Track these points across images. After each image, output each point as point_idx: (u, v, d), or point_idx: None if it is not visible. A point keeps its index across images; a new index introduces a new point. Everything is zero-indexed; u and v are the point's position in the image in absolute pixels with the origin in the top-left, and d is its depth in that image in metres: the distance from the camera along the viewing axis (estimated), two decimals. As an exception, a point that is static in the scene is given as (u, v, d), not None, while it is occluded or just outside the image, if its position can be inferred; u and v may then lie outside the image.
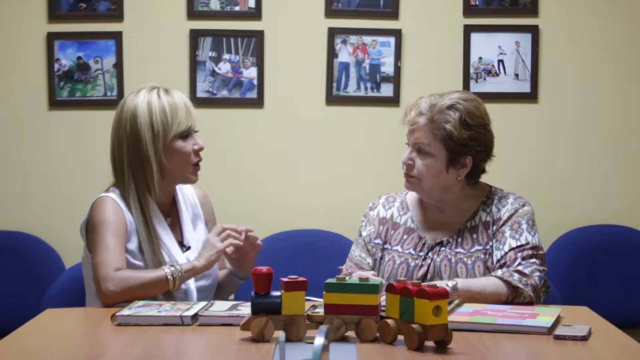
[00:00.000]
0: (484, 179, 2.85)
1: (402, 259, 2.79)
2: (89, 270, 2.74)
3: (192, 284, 2.75)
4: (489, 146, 2.76)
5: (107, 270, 2.59)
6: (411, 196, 2.88)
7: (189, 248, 2.83)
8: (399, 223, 2.85)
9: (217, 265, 2.89)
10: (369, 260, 2.84)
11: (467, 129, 2.70)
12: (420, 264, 2.76)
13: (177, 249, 2.79)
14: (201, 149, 2.80)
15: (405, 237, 2.82)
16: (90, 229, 2.71)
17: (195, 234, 2.87)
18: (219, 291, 2.89)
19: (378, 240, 2.85)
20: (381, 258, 2.83)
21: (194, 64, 4.18)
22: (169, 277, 2.61)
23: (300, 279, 2.19)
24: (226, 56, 4.18)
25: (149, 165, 2.72)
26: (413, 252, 2.79)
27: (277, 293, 2.19)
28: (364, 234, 2.87)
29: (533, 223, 2.74)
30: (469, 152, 2.71)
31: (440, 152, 2.70)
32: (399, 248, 2.81)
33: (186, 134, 2.77)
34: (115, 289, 2.57)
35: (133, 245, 2.70)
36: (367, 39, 4.20)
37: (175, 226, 2.85)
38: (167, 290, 2.63)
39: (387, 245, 2.83)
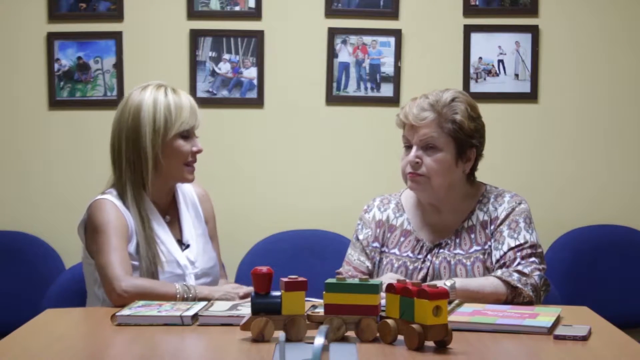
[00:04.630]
0: (484, 178, 2.85)
1: (401, 262, 2.78)
2: (91, 272, 2.74)
3: (193, 282, 2.75)
4: (484, 140, 2.78)
5: (118, 271, 2.59)
6: (406, 197, 2.86)
7: (188, 246, 2.82)
8: (395, 225, 2.83)
9: (217, 266, 2.91)
10: (368, 263, 2.82)
11: (471, 120, 2.72)
12: (419, 266, 2.75)
13: (176, 247, 2.79)
14: (199, 151, 2.80)
15: (402, 239, 2.81)
16: (92, 231, 2.70)
17: (194, 232, 2.87)
18: None
19: (376, 244, 2.83)
20: (379, 261, 2.82)
21: (194, 64, 4.18)
22: (177, 296, 2.59)
23: (300, 279, 2.19)
24: (226, 56, 4.18)
25: (145, 160, 2.73)
26: (411, 254, 2.78)
27: (277, 293, 2.19)
28: (361, 237, 2.85)
29: (530, 221, 2.74)
30: (474, 144, 2.72)
31: (448, 145, 2.70)
32: (396, 251, 2.80)
33: (187, 134, 2.77)
34: (129, 289, 2.56)
35: (132, 246, 2.70)
36: (367, 39, 4.20)
37: (175, 224, 2.85)
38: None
39: (384, 248, 2.82)
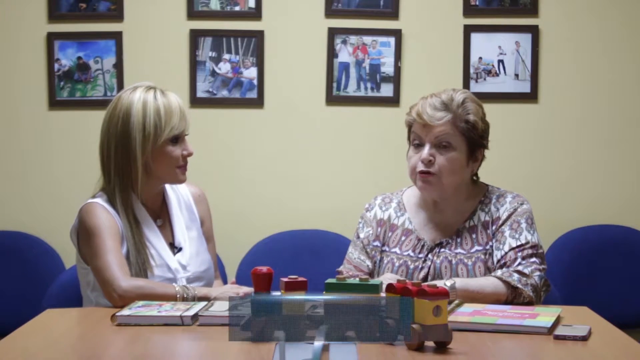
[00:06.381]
0: (484, 178, 2.85)
1: (401, 261, 2.77)
2: (85, 277, 2.73)
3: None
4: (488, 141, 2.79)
5: (117, 272, 2.57)
6: (408, 196, 2.86)
7: (180, 249, 2.80)
8: (396, 224, 2.83)
9: (212, 269, 2.89)
10: (368, 262, 2.82)
11: (482, 121, 2.74)
12: (420, 265, 2.75)
13: (168, 251, 2.76)
14: (190, 154, 2.76)
15: (403, 238, 2.81)
16: (86, 235, 2.68)
17: (187, 234, 2.85)
18: None
19: (377, 243, 2.83)
20: (380, 260, 2.82)
21: (194, 64, 4.18)
22: (177, 296, 2.58)
23: (300, 279, 2.19)
24: (226, 56, 4.18)
25: (135, 166, 2.70)
26: (412, 254, 2.78)
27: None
28: (361, 235, 2.85)
29: (532, 221, 2.74)
30: (484, 144, 2.74)
31: (461, 145, 2.70)
32: (397, 250, 2.80)
33: (177, 139, 2.74)
34: (130, 290, 2.54)
35: (122, 251, 2.67)
36: (367, 39, 4.20)
37: (167, 227, 2.82)
38: None
39: (385, 247, 2.82)
